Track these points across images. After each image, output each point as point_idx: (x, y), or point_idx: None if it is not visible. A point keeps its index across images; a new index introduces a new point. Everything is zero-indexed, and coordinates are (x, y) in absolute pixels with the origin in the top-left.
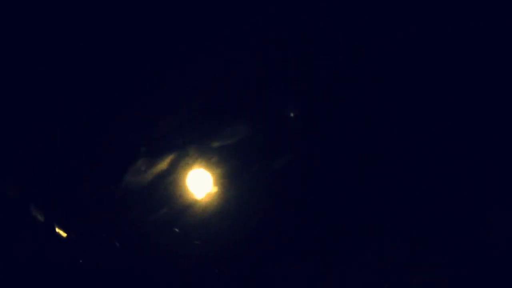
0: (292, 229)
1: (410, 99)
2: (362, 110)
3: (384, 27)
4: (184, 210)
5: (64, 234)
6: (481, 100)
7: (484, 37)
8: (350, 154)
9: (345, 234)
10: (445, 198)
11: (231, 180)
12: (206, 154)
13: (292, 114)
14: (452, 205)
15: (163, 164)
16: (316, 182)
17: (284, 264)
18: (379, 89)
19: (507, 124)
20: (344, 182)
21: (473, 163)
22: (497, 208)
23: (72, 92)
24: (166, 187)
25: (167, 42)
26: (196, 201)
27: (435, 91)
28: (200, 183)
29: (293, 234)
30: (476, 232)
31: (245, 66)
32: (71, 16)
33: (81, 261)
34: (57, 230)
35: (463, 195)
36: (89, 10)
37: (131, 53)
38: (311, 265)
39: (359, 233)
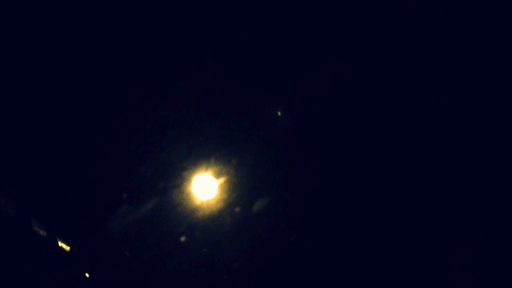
0: (296, 230)
1: (410, 99)
2: (362, 110)
3: (384, 26)
4: None
5: (67, 248)
6: (482, 100)
7: (484, 37)
8: (350, 154)
9: (346, 237)
10: (445, 198)
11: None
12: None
13: (289, 114)
14: (452, 205)
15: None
16: (317, 182)
17: (287, 264)
18: (379, 89)
19: (507, 123)
20: (345, 182)
21: (473, 164)
22: (497, 209)
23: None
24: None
25: (167, 42)
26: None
27: (435, 91)
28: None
29: (297, 234)
30: (476, 233)
31: (245, 66)
32: (71, 16)
33: (87, 274)
34: (60, 244)
35: (463, 195)
36: (89, 10)
37: (128, 57)
38: (313, 265)
39: (360, 236)
